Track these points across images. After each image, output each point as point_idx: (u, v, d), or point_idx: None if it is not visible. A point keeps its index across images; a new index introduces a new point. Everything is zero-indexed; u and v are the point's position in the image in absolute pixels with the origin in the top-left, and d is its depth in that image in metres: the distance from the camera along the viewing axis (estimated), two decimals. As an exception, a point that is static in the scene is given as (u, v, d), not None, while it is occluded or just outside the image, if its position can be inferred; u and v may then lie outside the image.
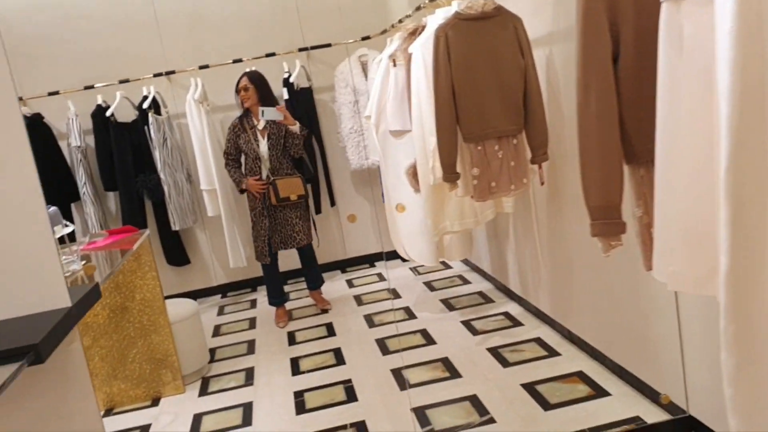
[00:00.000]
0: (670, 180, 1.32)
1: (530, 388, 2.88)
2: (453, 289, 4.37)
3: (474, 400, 2.85)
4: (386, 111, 3.50)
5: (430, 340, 3.57)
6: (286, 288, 4.90)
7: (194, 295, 4.94)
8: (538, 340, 3.34)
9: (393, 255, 5.25)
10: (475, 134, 2.68)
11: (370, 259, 5.30)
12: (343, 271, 5.24)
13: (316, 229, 4.36)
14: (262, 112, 3.92)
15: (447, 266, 4.85)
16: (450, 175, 2.73)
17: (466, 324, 3.72)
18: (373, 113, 3.57)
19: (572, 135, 2.83)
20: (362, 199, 5.28)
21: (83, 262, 2.79)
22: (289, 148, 4.08)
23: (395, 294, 4.49)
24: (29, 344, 1.40)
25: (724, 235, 1.07)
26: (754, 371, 1.10)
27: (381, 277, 4.92)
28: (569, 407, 2.67)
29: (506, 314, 3.76)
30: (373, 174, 5.03)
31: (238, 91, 4.09)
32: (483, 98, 2.67)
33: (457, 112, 2.68)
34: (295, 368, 3.55)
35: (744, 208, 1.04)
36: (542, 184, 2.91)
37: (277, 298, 4.34)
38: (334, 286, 4.90)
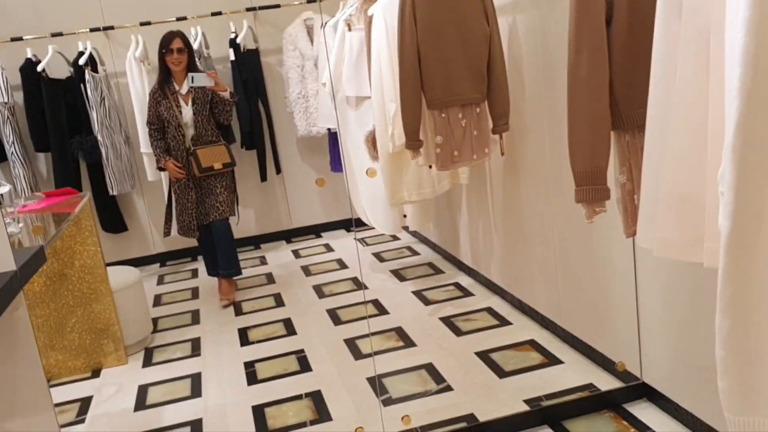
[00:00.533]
0: (661, 145, 1.32)
1: (484, 356, 2.90)
2: (402, 260, 4.35)
3: (430, 368, 2.85)
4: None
5: (382, 310, 3.55)
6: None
7: (132, 263, 4.68)
8: (490, 310, 3.37)
9: (337, 225, 5.22)
10: (440, 101, 2.63)
11: (316, 230, 5.21)
12: (288, 242, 5.14)
13: (238, 205, 4.04)
14: (192, 78, 3.66)
15: (395, 237, 4.83)
16: (413, 142, 2.68)
17: (418, 294, 3.72)
18: (330, 79, 3.47)
19: (533, 107, 2.84)
20: (308, 167, 5.17)
21: (20, 225, 2.61)
22: (218, 115, 3.84)
23: (342, 264, 4.44)
24: (-25, 309, 1.28)
25: (728, 198, 1.07)
26: (748, 332, 1.11)
27: (328, 248, 4.85)
28: (523, 375, 2.71)
29: (457, 285, 3.78)
30: (321, 141, 4.92)
31: (168, 52, 3.70)
32: (449, 64, 2.61)
33: (422, 78, 2.62)
34: (244, 339, 3.46)
35: (751, 172, 1.04)
36: (502, 154, 2.90)
37: (216, 269, 4.19)
38: (280, 256, 4.80)
